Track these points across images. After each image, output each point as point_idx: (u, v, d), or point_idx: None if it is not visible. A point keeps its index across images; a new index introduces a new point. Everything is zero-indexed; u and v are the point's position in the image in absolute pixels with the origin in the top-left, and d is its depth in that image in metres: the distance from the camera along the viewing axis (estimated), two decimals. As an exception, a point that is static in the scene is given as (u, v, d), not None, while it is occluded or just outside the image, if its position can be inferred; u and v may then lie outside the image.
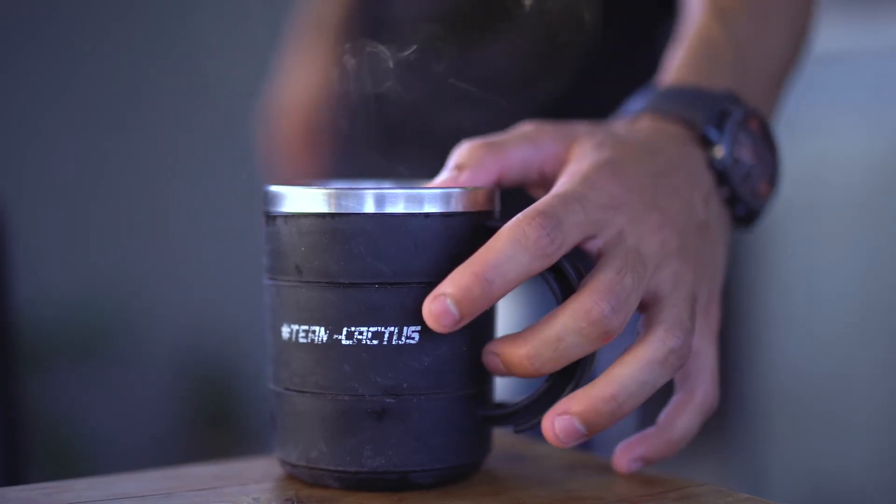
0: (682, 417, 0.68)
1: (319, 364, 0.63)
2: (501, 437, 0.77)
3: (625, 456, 0.68)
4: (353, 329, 0.61)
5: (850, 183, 2.25)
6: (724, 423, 4.00)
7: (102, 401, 3.43)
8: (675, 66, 0.77)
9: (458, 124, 1.10)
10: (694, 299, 0.65)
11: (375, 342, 0.61)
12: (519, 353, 0.61)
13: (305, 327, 0.63)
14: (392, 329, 0.61)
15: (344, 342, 0.62)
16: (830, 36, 2.30)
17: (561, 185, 0.64)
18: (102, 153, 3.46)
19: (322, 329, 0.62)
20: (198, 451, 3.10)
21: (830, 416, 2.28)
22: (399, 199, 0.61)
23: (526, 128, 0.69)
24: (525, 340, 0.61)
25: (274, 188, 0.64)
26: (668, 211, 0.65)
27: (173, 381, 3.27)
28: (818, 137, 2.27)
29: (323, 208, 0.62)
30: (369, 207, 0.61)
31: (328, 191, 0.62)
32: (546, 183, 0.67)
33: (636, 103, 0.75)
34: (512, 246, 0.59)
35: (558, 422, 0.62)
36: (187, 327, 3.27)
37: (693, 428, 0.70)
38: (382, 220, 0.61)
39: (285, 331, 0.64)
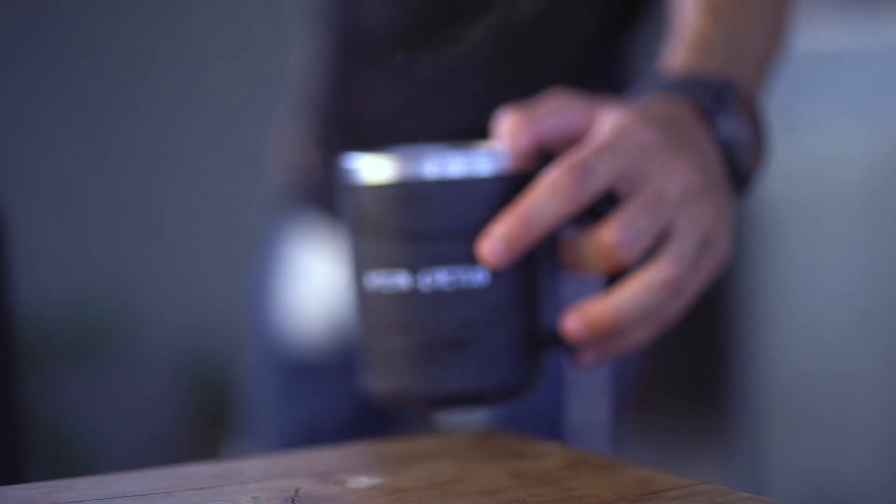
0: (632, 286, 0.73)
1: (403, 307, 0.74)
2: (502, 437, 0.77)
3: (571, 318, 0.74)
4: (429, 276, 0.73)
5: (850, 183, 2.25)
6: (724, 423, 4.00)
7: (102, 401, 3.43)
8: (677, 56, 0.84)
9: (431, 130, 1.14)
10: (706, 242, 0.73)
11: (450, 286, 0.73)
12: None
13: (388, 277, 0.74)
14: (461, 273, 0.73)
15: (421, 288, 0.73)
16: (830, 36, 2.30)
17: (594, 136, 0.74)
18: (103, 153, 3.46)
19: (404, 276, 0.73)
20: (198, 451, 3.10)
21: (830, 415, 2.28)
22: (459, 163, 0.73)
23: (556, 96, 0.77)
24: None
25: (351, 163, 0.76)
26: (694, 159, 0.74)
27: (173, 381, 3.27)
28: (818, 137, 2.27)
29: (395, 178, 0.73)
30: (433, 174, 0.73)
31: (398, 162, 0.74)
32: (577, 145, 0.75)
33: (645, 88, 0.82)
34: (548, 193, 0.70)
35: (570, 323, 0.74)
36: (187, 327, 3.27)
37: (642, 302, 0.74)
38: (446, 185, 0.73)
39: (373, 280, 0.75)
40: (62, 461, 3.18)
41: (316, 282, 1.26)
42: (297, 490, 0.66)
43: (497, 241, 0.72)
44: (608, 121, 0.75)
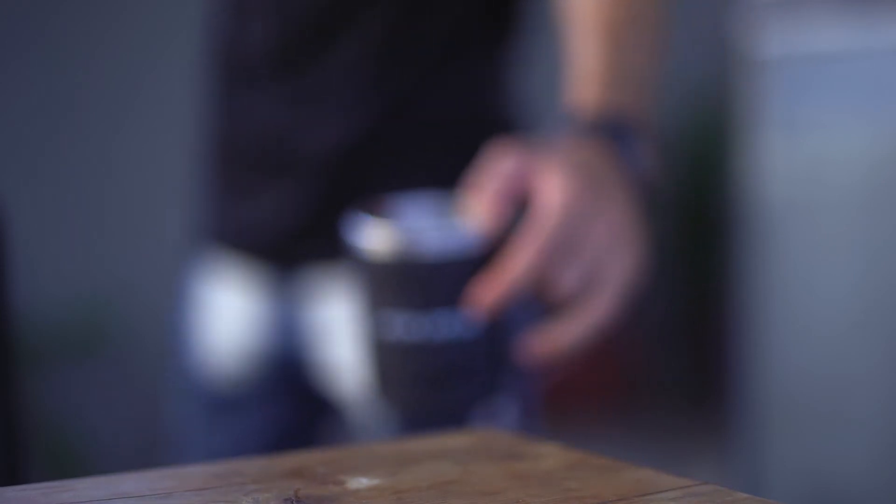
0: (579, 323, 0.96)
1: (409, 355, 0.95)
2: (502, 437, 0.77)
3: (534, 349, 0.95)
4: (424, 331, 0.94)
5: (850, 183, 2.25)
6: (724, 423, 4.00)
7: (102, 401, 3.43)
8: (586, 91, 1.01)
9: (310, 150, 1.21)
10: (629, 279, 0.96)
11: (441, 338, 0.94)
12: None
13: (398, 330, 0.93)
14: (449, 328, 0.93)
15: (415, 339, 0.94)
16: (830, 36, 2.30)
17: (544, 212, 0.92)
18: (103, 154, 3.46)
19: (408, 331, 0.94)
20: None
21: (830, 416, 2.28)
22: (445, 244, 0.92)
23: (498, 161, 0.94)
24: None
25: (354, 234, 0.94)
26: (622, 216, 0.95)
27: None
28: (818, 137, 2.28)
29: (394, 258, 0.92)
30: (426, 256, 0.92)
31: (397, 241, 0.92)
32: (527, 191, 0.94)
33: (562, 129, 1.00)
34: (523, 281, 0.91)
35: (533, 355, 0.96)
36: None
37: (587, 336, 0.98)
38: (437, 266, 0.92)
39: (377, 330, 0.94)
40: (62, 461, 3.18)
41: (228, 317, 1.28)
42: (296, 491, 0.66)
43: (487, 306, 0.92)
44: (551, 191, 0.92)
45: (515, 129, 1.25)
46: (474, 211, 0.94)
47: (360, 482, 0.69)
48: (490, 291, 0.92)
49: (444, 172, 1.19)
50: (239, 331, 1.27)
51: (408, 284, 0.92)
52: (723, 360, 4.34)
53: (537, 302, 0.96)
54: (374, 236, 0.93)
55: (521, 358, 0.96)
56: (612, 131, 0.99)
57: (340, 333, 1.22)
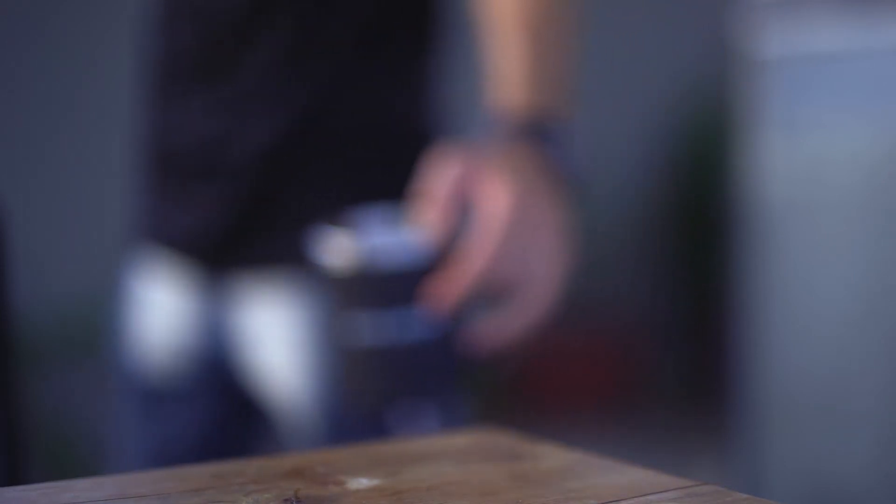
0: (518, 319, 1.04)
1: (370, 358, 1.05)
2: (502, 437, 0.77)
3: (484, 342, 1.05)
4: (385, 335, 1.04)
5: (850, 183, 2.25)
6: (724, 423, 3.99)
7: (102, 401, 3.43)
8: (513, 93, 1.08)
9: (236, 158, 1.24)
10: (560, 275, 1.05)
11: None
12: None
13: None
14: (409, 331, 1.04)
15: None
16: (830, 36, 2.30)
17: (488, 224, 1.03)
18: (103, 153, 3.46)
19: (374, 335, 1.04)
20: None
21: (830, 416, 2.28)
22: (403, 254, 1.02)
23: (443, 169, 1.03)
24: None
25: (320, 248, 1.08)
26: (557, 226, 1.05)
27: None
28: (818, 137, 2.28)
29: (356, 270, 1.02)
30: (386, 265, 1.02)
31: (359, 255, 1.02)
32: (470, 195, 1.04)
33: (493, 133, 1.07)
34: (478, 277, 1.03)
35: (484, 346, 1.06)
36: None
37: (526, 330, 1.06)
38: (394, 276, 1.03)
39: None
40: (62, 461, 3.18)
41: (161, 314, 1.32)
42: (296, 491, 0.66)
43: (447, 307, 1.02)
44: (495, 197, 1.02)
45: (436, 133, 1.28)
46: (424, 219, 1.03)
47: (360, 482, 0.69)
48: (449, 293, 1.02)
49: (365, 177, 1.23)
50: (170, 328, 1.31)
51: (370, 294, 1.02)
52: (723, 360, 4.34)
53: (486, 300, 1.06)
54: (337, 251, 1.03)
55: (473, 352, 1.05)
56: (539, 132, 1.07)
57: (269, 337, 1.25)
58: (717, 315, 4.36)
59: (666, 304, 4.57)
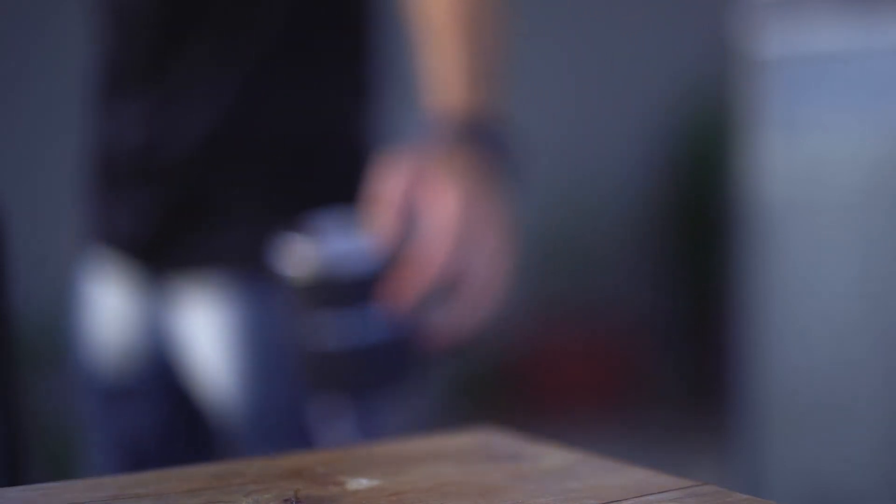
0: (463, 316, 1.11)
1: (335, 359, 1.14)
2: (502, 438, 0.77)
3: (440, 335, 1.12)
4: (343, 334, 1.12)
5: (850, 183, 2.25)
6: (724, 423, 3.99)
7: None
8: (453, 94, 1.12)
9: (172, 165, 1.27)
10: (503, 273, 1.12)
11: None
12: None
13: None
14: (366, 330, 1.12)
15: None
16: (830, 36, 2.30)
17: (439, 228, 1.09)
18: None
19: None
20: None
21: (830, 416, 2.28)
22: (360, 262, 1.10)
23: (392, 175, 1.10)
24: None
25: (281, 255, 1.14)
26: (496, 222, 1.11)
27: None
28: (818, 137, 2.28)
29: (315, 277, 1.10)
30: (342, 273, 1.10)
31: (317, 262, 1.10)
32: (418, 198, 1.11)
33: (435, 133, 1.12)
34: (435, 278, 1.11)
35: (440, 339, 1.13)
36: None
37: (473, 323, 1.13)
38: (351, 282, 1.10)
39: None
40: (62, 461, 3.18)
41: (108, 314, 1.35)
42: (296, 491, 0.66)
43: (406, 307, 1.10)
44: (445, 201, 1.09)
45: (374, 138, 1.31)
46: (376, 224, 1.10)
47: (360, 483, 0.69)
48: (406, 294, 1.09)
49: (293, 181, 1.25)
50: (118, 329, 1.34)
51: (330, 299, 1.09)
52: (723, 360, 4.34)
53: (436, 297, 1.12)
54: (296, 258, 1.10)
55: (429, 347, 1.12)
56: (478, 131, 1.12)
57: (201, 337, 1.27)
58: (717, 315, 4.36)
59: (666, 304, 4.56)
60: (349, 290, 1.09)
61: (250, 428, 1.25)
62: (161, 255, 1.28)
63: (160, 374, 1.33)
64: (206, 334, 1.26)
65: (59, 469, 3.14)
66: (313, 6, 1.26)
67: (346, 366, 1.10)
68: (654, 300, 4.56)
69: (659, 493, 0.66)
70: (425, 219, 1.11)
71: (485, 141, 1.13)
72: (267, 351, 1.24)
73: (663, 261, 4.57)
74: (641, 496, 0.66)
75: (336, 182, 1.26)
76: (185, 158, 1.26)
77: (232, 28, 1.25)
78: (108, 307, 1.35)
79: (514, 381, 4.23)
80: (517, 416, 4.14)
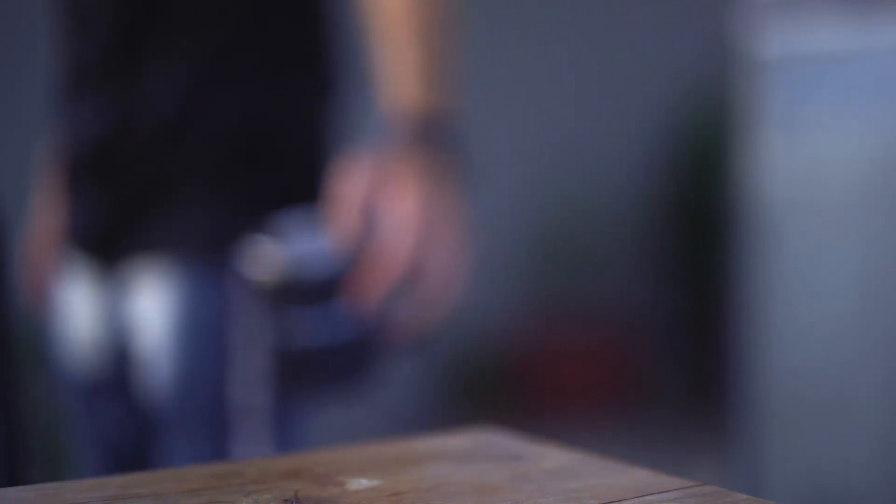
0: (427, 311, 1.15)
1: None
2: (502, 438, 0.77)
3: (406, 328, 1.15)
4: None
5: (849, 183, 2.25)
6: (724, 423, 3.99)
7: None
8: (409, 93, 1.17)
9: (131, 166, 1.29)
10: (462, 269, 1.17)
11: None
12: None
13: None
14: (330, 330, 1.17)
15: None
16: (830, 36, 2.30)
17: (399, 231, 1.14)
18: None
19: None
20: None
21: (830, 415, 2.28)
22: (325, 265, 1.15)
23: (352, 178, 1.15)
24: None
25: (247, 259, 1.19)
26: (454, 220, 1.16)
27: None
28: (818, 137, 2.28)
29: (281, 280, 1.14)
30: (309, 276, 1.14)
31: (284, 265, 1.14)
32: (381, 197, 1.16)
33: (392, 133, 1.16)
34: (398, 276, 1.16)
35: (407, 332, 1.17)
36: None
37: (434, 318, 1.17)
38: (317, 285, 1.15)
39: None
40: (62, 461, 3.18)
41: (77, 310, 1.38)
42: (296, 491, 0.66)
43: (372, 306, 1.15)
44: (406, 201, 1.14)
45: (325, 139, 1.33)
46: (339, 225, 1.14)
47: (360, 483, 0.69)
48: (372, 292, 1.13)
49: (245, 175, 1.27)
50: (85, 324, 1.36)
51: (297, 299, 1.12)
52: (723, 360, 4.34)
53: (398, 294, 1.17)
54: (263, 261, 1.14)
55: (394, 342, 1.16)
56: (434, 129, 1.17)
57: (147, 323, 1.29)
58: (717, 315, 4.36)
59: (666, 304, 4.57)
60: (314, 290, 1.14)
61: (173, 409, 1.26)
62: (114, 246, 1.31)
63: (123, 366, 1.35)
64: (149, 319, 1.28)
65: (59, 469, 3.14)
66: (271, 5, 1.28)
67: (313, 364, 1.14)
68: (654, 300, 4.56)
69: (659, 493, 0.66)
70: (386, 218, 1.16)
71: (439, 139, 1.17)
72: (197, 333, 1.25)
73: (663, 261, 4.57)
74: (641, 496, 0.66)
75: (294, 180, 1.28)
76: (140, 153, 1.29)
77: (188, 25, 1.27)
78: (77, 303, 1.37)
79: (514, 381, 4.23)
80: (517, 416, 4.15)
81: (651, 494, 0.66)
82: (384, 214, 1.16)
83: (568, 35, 4.37)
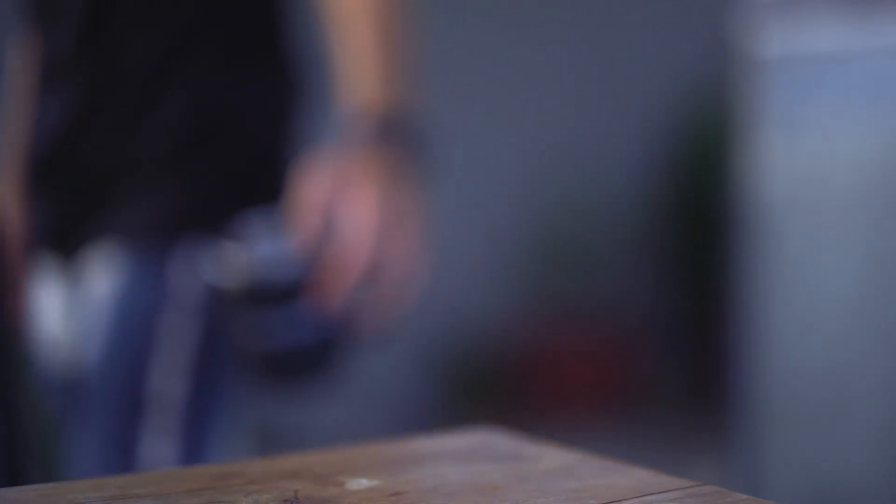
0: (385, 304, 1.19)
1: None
2: (502, 438, 0.77)
3: (375, 321, 1.19)
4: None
5: (849, 183, 2.25)
6: (724, 423, 3.99)
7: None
8: (370, 92, 1.19)
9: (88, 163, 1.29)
10: (418, 265, 1.20)
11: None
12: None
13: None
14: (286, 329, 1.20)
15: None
16: (830, 36, 2.30)
17: (359, 235, 1.17)
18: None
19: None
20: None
21: (830, 415, 2.28)
22: (288, 272, 1.18)
23: (312, 182, 1.17)
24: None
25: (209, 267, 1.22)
26: (411, 219, 1.18)
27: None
28: (818, 137, 2.28)
29: (243, 285, 1.17)
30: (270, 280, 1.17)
31: (245, 271, 1.17)
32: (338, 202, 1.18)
33: (349, 133, 1.18)
34: (358, 277, 1.20)
35: (375, 324, 1.21)
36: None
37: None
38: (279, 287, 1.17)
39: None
40: (62, 461, 3.17)
41: (47, 308, 1.38)
42: (296, 492, 0.66)
43: (334, 308, 1.17)
44: (364, 204, 1.16)
45: (284, 139, 1.33)
46: (300, 227, 1.16)
47: (360, 483, 0.69)
48: (333, 292, 1.16)
49: (188, 172, 1.27)
50: (55, 320, 1.36)
51: (260, 302, 1.15)
52: (723, 360, 4.34)
53: (359, 290, 1.20)
54: (226, 265, 1.17)
55: (352, 340, 1.20)
56: (392, 128, 1.18)
57: (85, 309, 1.29)
58: (717, 315, 4.36)
59: (666, 304, 4.56)
60: (278, 293, 1.16)
61: (88, 389, 1.26)
62: (73, 239, 1.31)
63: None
64: (86, 305, 1.29)
65: (59, 469, 3.14)
66: (229, 4, 1.28)
67: (279, 364, 1.17)
68: (654, 300, 4.56)
69: (659, 493, 0.66)
70: (345, 219, 1.18)
71: (398, 137, 1.19)
72: (123, 316, 1.25)
73: (663, 261, 4.57)
74: (641, 496, 0.66)
75: (254, 177, 1.28)
76: (97, 145, 1.29)
77: (145, 17, 1.27)
78: (46, 301, 1.37)
79: (514, 381, 4.23)
80: (517, 416, 4.15)
81: (651, 494, 0.66)
82: (344, 215, 1.18)
83: (568, 35, 4.37)
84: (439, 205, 4.12)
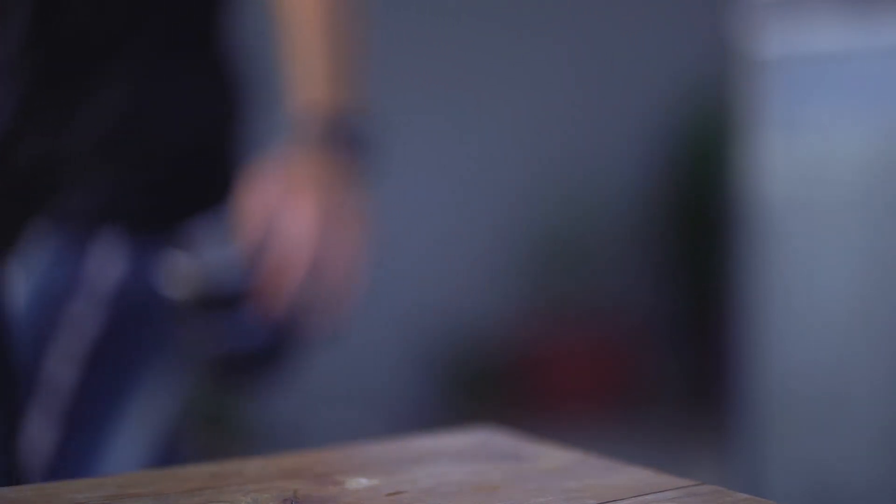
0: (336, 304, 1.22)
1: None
2: (501, 437, 0.77)
3: (328, 320, 1.23)
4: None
5: (850, 183, 2.25)
6: (724, 423, 3.99)
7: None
8: (317, 92, 1.20)
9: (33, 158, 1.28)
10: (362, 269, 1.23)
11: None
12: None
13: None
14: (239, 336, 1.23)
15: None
16: (830, 36, 2.30)
17: (303, 239, 1.20)
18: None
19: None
20: (197, 450, 3.09)
21: (830, 415, 2.28)
22: (233, 283, 1.21)
23: (259, 190, 1.19)
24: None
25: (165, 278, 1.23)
26: (355, 225, 1.21)
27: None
28: (818, 137, 2.27)
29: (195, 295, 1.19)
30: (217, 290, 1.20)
31: (197, 283, 1.19)
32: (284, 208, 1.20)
33: (299, 134, 1.20)
34: (302, 282, 1.22)
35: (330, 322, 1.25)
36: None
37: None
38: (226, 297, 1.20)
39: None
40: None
41: (9, 304, 1.36)
42: (295, 491, 0.66)
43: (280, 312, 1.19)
44: (307, 210, 1.18)
45: (230, 143, 1.32)
46: (245, 233, 1.18)
47: (360, 482, 0.69)
48: (281, 297, 1.18)
49: (116, 164, 1.27)
50: (17, 315, 1.36)
51: (209, 308, 1.18)
52: (723, 360, 4.34)
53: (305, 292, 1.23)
54: (175, 273, 1.19)
55: (300, 340, 1.22)
56: (340, 130, 1.19)
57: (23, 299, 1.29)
58: (717, 315, 4.36)
59: (666, 304, 4.56)
60: (225, 299, 1.19)
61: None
62: (13, 234, 1.31)
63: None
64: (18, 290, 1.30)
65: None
66: (173, 7, 1.28)
67: (228, 368, 1.20)
68: (655, 300, 4.56)
69: (658, 492, 0.66)
70: (289, 224, 1.20)
71: (345, 138, 1.20)
72: (31, 300, 1.25)
73: (663, 261, 4.57)
74: (641, 496, 0.66)
75: (188, 173, 1.27)
76: (34, 140, 1.28)
77: (83, 15, 1.26)
78: (11, 297, 1.37)
79: (514, 381, 4.23)
80: (517, 416, 4.15)
81: (650, 494, 0.66)
82: (286, 220, 1.20)
83: (568, 35, 4.37)
84: (439, 205, 4.12)
